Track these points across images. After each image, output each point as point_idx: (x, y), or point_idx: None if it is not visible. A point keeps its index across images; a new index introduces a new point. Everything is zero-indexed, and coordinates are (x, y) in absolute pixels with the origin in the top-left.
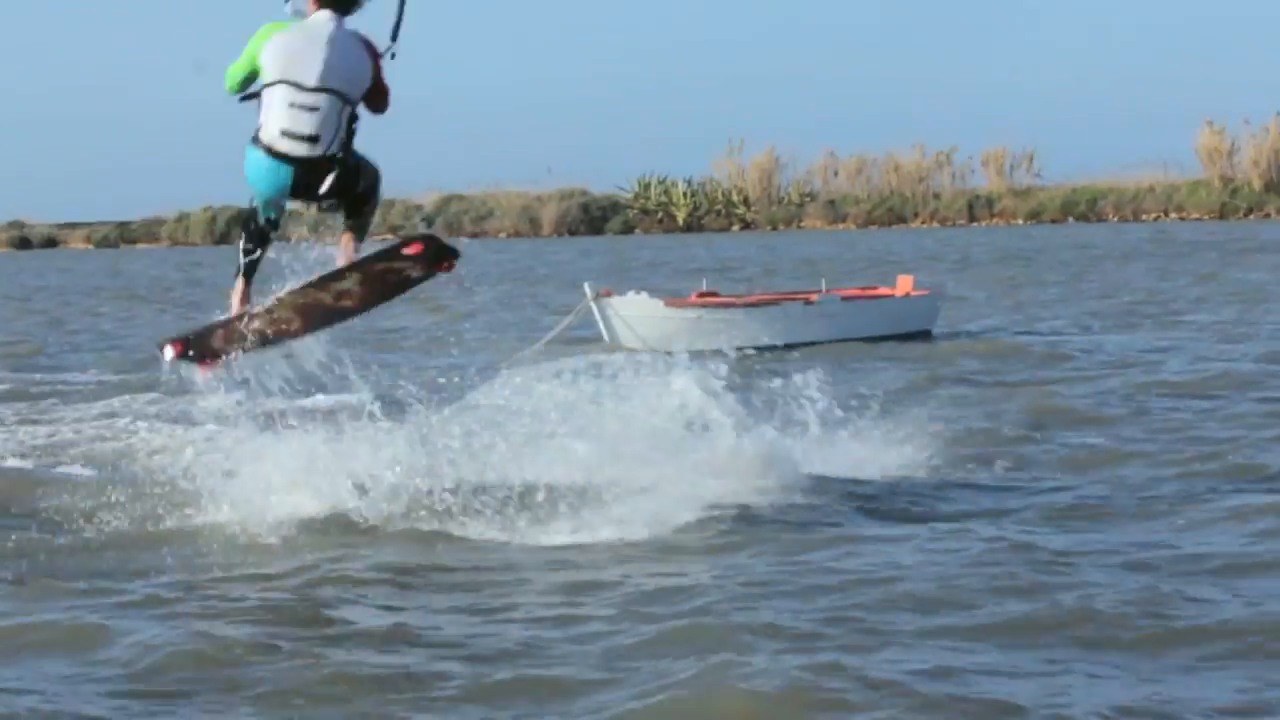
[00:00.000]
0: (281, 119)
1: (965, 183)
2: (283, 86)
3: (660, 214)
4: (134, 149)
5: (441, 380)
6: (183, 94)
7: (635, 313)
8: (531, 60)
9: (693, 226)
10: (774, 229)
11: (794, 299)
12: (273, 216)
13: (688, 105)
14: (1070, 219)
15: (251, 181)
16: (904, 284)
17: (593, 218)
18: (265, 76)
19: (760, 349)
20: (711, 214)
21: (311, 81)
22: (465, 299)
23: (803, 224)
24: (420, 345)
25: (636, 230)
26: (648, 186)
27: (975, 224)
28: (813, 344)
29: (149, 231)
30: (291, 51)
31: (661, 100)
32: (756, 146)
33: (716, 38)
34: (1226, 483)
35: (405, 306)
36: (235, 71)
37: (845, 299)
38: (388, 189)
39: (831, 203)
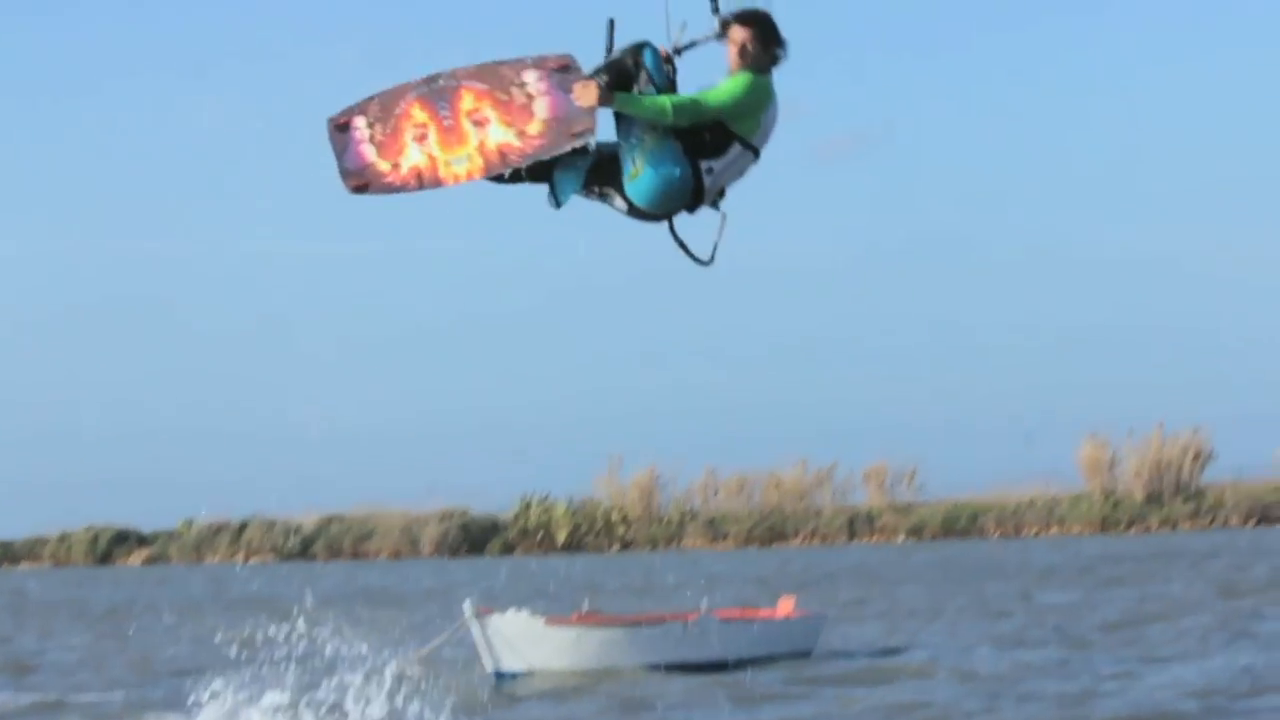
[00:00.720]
0: (729, 177)
1: (846, 499)
2: (749, 153)
3: (540, 534)
4: (13, 467)
5: None
6: (61, 412)
7: (515, 631)
8: (412, 382)
9: (573, 546)
10: (654, 548)
11: (674, 619)
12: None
13: (570, 423)
14: (951, 535)
15: (659, 191)
16: (785, 605)
17: (473, 538)
18: (746, 133)
19: (642, 668)
20: (592, 534)
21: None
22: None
23: (683, 543)
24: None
25: (517, 550)
26: (528, 506)
27: (856, 540)
28: (692, 664)
29: (31, 551)
30: (770, 125)
31: (544, 418)
32: (638, 464)
33: (598, 357)
34: None
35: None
36: (726, 104)
37: (724, 620)
38: (268, 510)
39: (712, 521)
